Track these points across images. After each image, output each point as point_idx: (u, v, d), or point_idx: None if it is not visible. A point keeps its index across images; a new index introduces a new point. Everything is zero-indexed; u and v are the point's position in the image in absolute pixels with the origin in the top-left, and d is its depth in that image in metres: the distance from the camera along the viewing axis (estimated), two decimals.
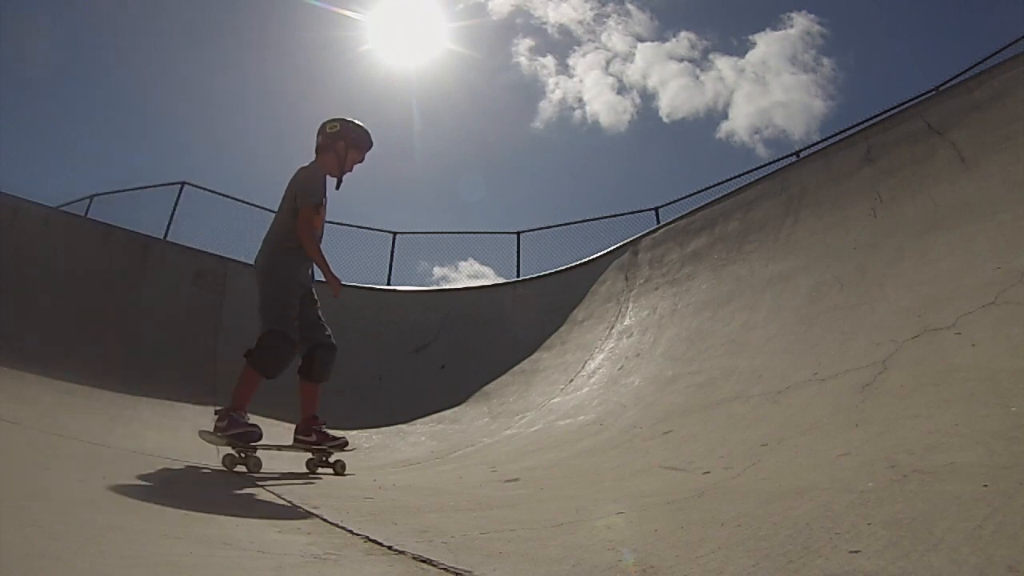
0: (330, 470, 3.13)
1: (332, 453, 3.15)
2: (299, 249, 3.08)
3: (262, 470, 2.80)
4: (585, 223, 9.76)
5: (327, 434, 3.15)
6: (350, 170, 3.29)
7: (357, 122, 3.28)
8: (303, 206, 3.03)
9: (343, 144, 3.21)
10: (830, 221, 4.15)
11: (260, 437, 2.82)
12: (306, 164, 3.19)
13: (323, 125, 3.26)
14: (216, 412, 2.88)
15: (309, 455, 3.13)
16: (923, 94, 5.20)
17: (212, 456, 3.42)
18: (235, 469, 2.75)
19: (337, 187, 3.28)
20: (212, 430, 2.81)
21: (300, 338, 3.11)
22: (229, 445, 2.79)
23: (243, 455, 2.79)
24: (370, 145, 3.31)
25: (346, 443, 3.20)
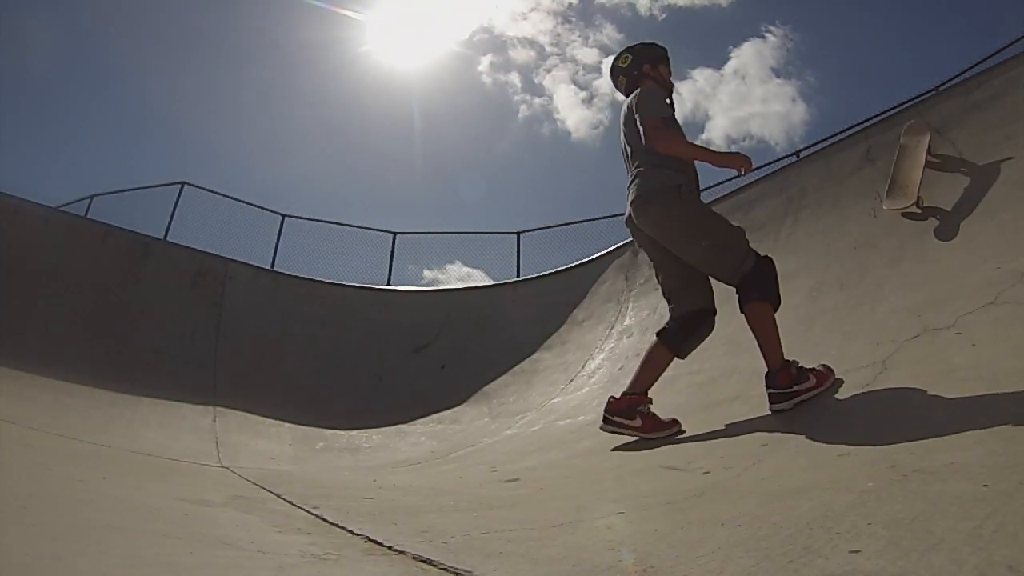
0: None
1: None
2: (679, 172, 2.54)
3: None
4: (585, 223, 9.77)
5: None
6: (672, 86, 2.84)
7: (642, 43, 2.89)
8: (646, 118, 2.53)
9: (648, 66, 2.81)
10: (830, 221, 4.15)
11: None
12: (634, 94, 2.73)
13: (617, 66, 2.87)
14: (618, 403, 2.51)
15: None
16: (923, 94, 5.20)
17: (212, 456, 3.42)
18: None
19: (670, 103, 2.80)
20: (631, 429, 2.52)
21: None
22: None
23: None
24: (666, 51, 2.86)
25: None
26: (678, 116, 2.79)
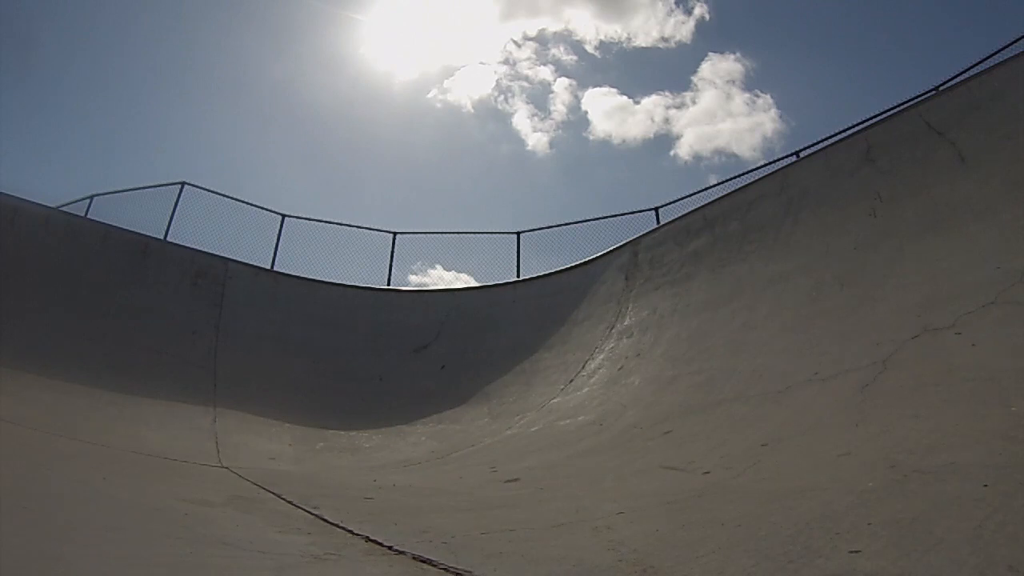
0: None
1: None
2: None
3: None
4: (585, 223, 9.74)
5: None
6: None
7: None
8: None
9: None
10: (830, 221, 4.15)
11: None
12: None
13: None
14: None
15: None
16: (923, 94, 5.19)
17: (212, 456, 3.42)
18: None
19: None
20: None
21: None
22: None
23: None
24: None
25: None
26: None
